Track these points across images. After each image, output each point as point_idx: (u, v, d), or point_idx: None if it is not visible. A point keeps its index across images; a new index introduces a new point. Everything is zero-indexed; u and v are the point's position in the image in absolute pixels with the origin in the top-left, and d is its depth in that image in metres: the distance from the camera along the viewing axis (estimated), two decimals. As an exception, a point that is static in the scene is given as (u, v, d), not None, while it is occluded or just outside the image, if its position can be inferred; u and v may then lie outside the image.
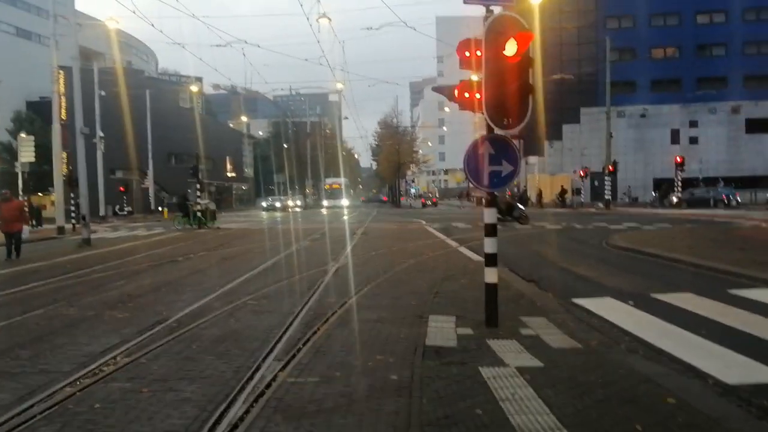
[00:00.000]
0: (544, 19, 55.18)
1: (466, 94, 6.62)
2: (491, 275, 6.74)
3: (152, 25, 24.72)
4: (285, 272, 11.52)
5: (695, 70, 56.18)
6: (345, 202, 66.82)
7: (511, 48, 6.16)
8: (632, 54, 57.46)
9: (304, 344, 6.05)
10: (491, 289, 6.77)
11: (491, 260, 6.73)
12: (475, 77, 6.77)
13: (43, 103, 55.82)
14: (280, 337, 6.37)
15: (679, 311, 7.60)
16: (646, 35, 57.48)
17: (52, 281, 11.20)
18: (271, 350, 5.86)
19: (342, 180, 72.17)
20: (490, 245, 6.74)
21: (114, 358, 5.75)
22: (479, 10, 6.75)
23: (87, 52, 60.69)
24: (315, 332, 6.56)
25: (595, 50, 52.86)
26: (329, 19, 25.32)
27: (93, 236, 26.36)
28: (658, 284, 9.66)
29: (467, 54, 6.61)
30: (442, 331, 6.56)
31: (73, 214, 43.34)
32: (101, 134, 44.08)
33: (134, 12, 23.57)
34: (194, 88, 54.85)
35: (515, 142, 6.81)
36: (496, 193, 6.75)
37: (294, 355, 5.64)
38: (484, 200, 6.68)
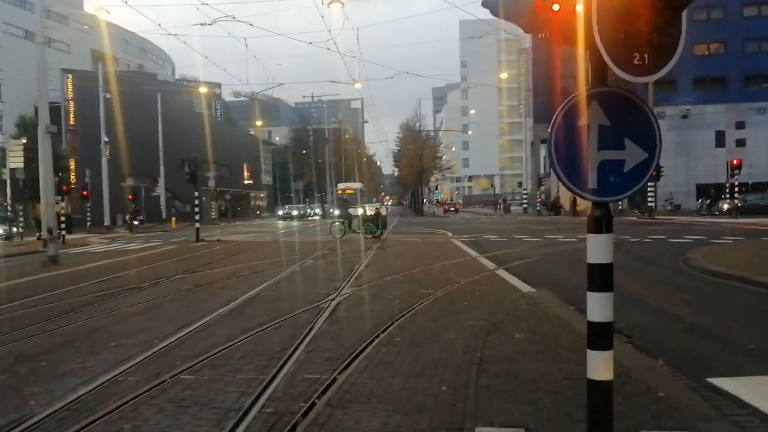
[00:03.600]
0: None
1: (556, 6, 3.31)
2: (602, 366, 3.43)
3: (159, 25, 21.95)
4: (263, 312, 8.29)
5: (742, 67, 51.93)
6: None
7: None
8: (673, 50, 53.46)
9: None
10: (602, 392, 3.46)
11: (601, 339, 3.43)
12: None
13: (51, 108, 53.80)
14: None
15: None
16: (689, 29, 53.22)
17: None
18: None
19: (357, 185, 61.52)
20: (598, 307, 3.45)
21: None
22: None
23: (98, 55, 58.69)
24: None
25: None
26: (342, 3, 22.22)
27: (85, 249, 23.68)
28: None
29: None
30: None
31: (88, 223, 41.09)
32: (106, 139, 41.63)
33: (154, 19, 20.68)
34: (203, 90, 51.86)
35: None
36: (609, 203, 3.47)
37: None
38: (587, 219, 3.42)
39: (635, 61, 3.18)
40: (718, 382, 5.05)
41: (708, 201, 42.82)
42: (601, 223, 3.45)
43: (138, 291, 10.75)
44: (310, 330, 7.04)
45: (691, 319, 7.75)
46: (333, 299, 9.22)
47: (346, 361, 5.64)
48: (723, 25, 52.45)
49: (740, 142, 51.75)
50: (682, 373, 5.34)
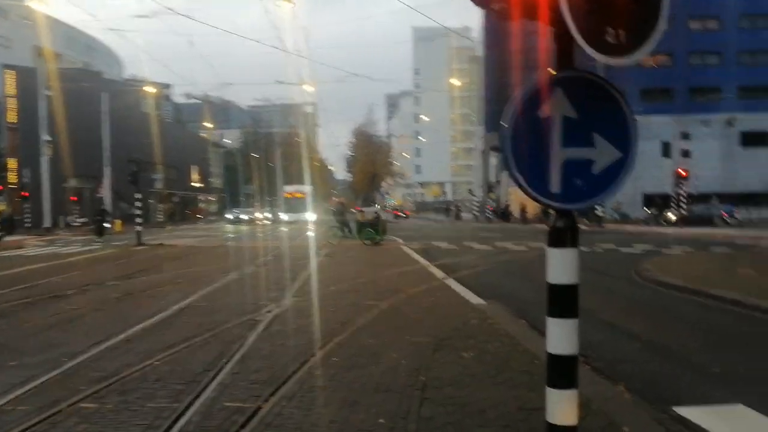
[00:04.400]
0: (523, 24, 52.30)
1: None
2: (565, 408, 2.86)
3: (95, 17, 20.74)
4: (192, 325, 7.51)
5: (688, 79, 53.29)
6: (311, 216, 49.17)
7: None
8: (621, 61, 54.48)
9: None
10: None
11: (564, 376, 2.87)
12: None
13: (-14, 104, 51.11)
14: None
15: None
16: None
17: None
18: None
19: (307, 188, 56.30)
20: (560, 337, 2.88)
21: None
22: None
23: (40, 51, 56.05)
24: None
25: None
26: (293, 3, 21.47)
27: (18, 252, 22.17)
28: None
29: None
30: None
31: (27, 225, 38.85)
32: (47, 138, 39.67)
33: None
34: (150, 89, 50.06)
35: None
36: (575, 211, 2.92)
37: None
38: (549, 231, 2.84)
39: (609, 39, 2.64)
40: (685, 412, 4.58)
41: (655, 211, 43.56)
42: (564, 235, 2.90)
43: (60, 299, 9.78)
44: (240, 347, 6.32)
45: (649, 336, 7.34)
46: (270, 311, 8.50)
47: (274, 385, 4.96)
48: (669, 38, 53.58)
49: (686, 153, 52.91)
50: (645, 400, 4.86)
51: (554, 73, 2.83)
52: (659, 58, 53.25)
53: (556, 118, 2.83)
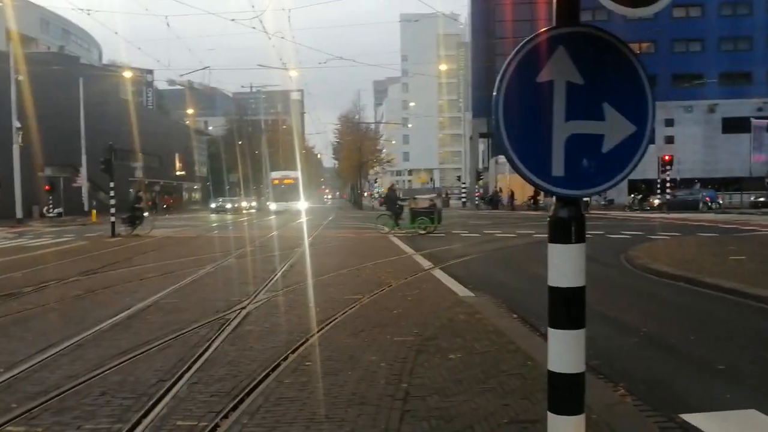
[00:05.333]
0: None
1: None
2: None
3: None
4: (155, 326, 6.93)
5: (671, 66, 53.04)
6: (303, 204, 46.48)
7: None
8: (604, 48, 54.35)
9: None
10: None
11: (570, 399, 2.35)
12: None
13: (-43, 90, 49.66)
14: None
15: None
16: (621, 29, 53.61)
17: None
18: None
19: (297, 174, 51.51)
20: (564, 352, 2.37)
21: None
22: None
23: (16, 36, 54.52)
24: None
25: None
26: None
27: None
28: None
29: None
30: None
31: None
32: (18, 125, 38.52)
33: None
34: (128, 74, 48.92)
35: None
36: (584, 198, 2.41)
37: None
38: (549, 222, 2.31)
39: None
40: (693, 419, 4.10)
41: (639, 196, 43.35)
42: (568, 227, 2.36)
43: (14, 298, 9.11)
44: (204, 351, 5.76)
45: (646, 329, 6.87)
46: (243, 308, 7.95)
47: (237, 398, 4.42)
48: (653, 26, 53.40)
49: (669, 139, 52.82)
50: (648, 406, 4.37)
51: (555, 29, 2.29)
52: (642, 45, 52.95)
53: (559, 85, 2.30)
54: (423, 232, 21.19)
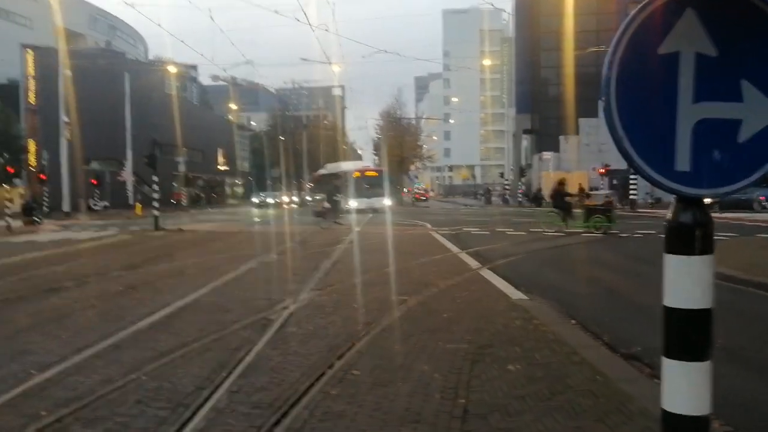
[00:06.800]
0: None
1: None
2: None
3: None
4: (194, 326, 6.66)
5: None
6: (387, 201, 39.28)
7: None
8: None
9: None
10: None
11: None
12: None
13: (9, 85, 51.14)
14: None
15: None
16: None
17: None
18: None
19: (382, 168, 44.59)
20: (685, 388, 1.91)
21: None
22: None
23: (64, 32, 55.80)
24: None
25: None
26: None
27: (30, 238, 21.71)
28: None
29: None
30: None
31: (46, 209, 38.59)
32: (66, 119, 39.37)
33: None
34: (173, 70, 49.48)
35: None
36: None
37: None
38: (665, 230, 1.85)
39: None
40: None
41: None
42: (691, 234, 1.90)
43: (54, 293, 9.01)
44: (246, 355, 5.44)
45: (725, 343, 6.28)
46: (286, 308, 7.63)
47: (280, 411, 4.07)
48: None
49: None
50: (741, 433, 3.86)
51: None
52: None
53: (686, 58, 1.83)
54: (597, 232, 19.37)
